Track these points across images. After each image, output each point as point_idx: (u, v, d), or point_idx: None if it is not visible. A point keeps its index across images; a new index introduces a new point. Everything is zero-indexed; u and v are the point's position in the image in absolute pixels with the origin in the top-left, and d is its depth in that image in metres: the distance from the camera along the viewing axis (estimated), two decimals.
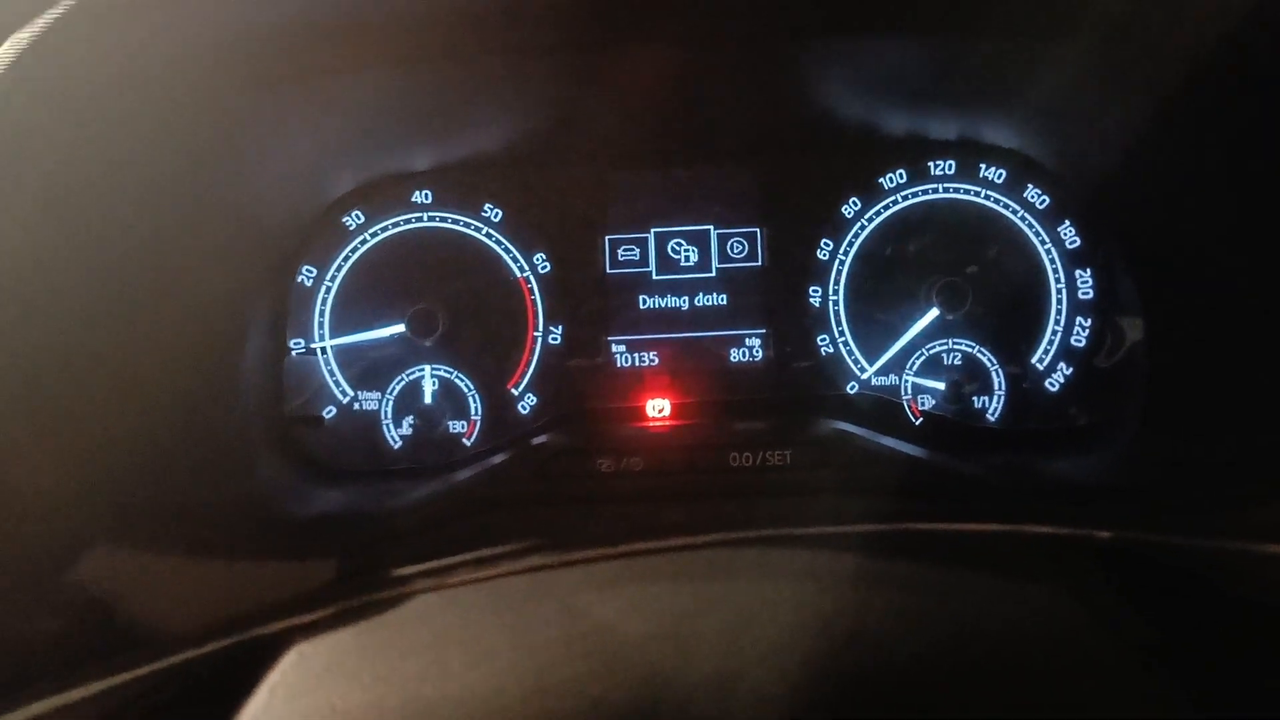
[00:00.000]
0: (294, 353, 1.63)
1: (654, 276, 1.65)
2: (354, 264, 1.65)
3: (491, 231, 1.65)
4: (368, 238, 1.65)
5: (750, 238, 1.64)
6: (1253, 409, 1.26)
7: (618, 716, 0.52)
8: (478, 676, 0.54)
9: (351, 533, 1.32)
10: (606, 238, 1.65)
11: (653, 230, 1.65)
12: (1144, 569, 0.68)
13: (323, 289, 1.64)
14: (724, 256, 1.64)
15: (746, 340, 1.63)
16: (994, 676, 0.55)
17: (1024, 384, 1.59)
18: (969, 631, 0.59)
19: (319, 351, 1.64)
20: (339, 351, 1.64)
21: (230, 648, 0.65)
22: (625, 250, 1.65)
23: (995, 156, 1.61)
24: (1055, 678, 0.56)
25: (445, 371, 1.63)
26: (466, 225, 1.65)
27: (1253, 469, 1.15)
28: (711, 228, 1.64)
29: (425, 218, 1.65)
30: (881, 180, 1.63)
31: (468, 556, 0.70)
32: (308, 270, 1.63)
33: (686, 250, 1.65)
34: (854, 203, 1.63)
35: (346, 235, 1.64)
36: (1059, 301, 1.59)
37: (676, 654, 0.55)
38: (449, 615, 0.62)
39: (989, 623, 0.60)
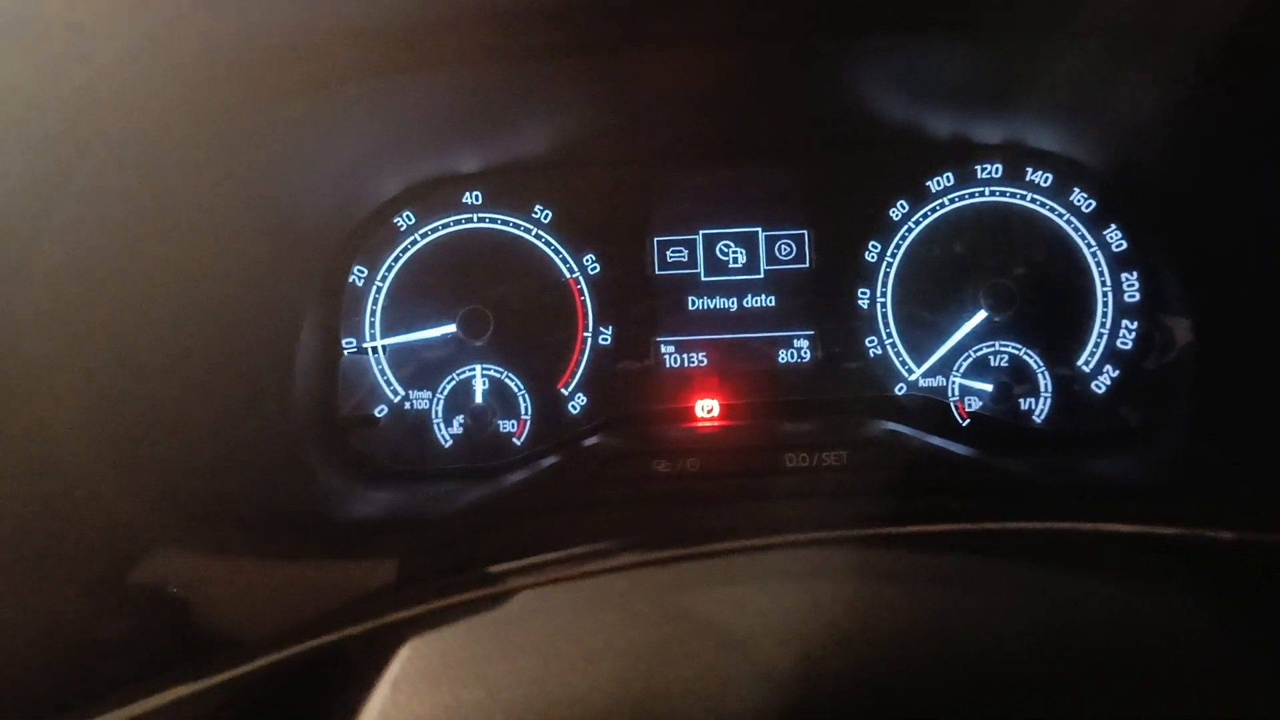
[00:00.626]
0: (346, 353, 1.64)
1: (702, 278, 1.66)
2: (405, 264, 1.66)
3: (541, 233, 1.66)
4: (418, 238, 1.66)
5: (798, 239, 1.65)
6: None
7: (733, 710, 0.54)
8: (599, 673, 0.55)
9: (408, 536, 1.34)
10: (655, 239, 1.66)
11: (700, 232, 1.66)
12: (1212, 566, 0.69)
13: (374, 289, 1.66)
14: (772, 258, 1.65)
15: (795, 341, 1.65)
16: (1079, 675, 0.56)
17: (1072, 386, 1.60)
18: (1057, 629, 0.60)
19: (370, 351, 1.65)
20: (390, 351, 1.66)
21: (326, 647, 0.67)
22: (674, 252, 1.66)
23: (1041, 160, 1.62)
24: (1138, 676, 0.57)
25: (496, 371, 1.65)
26: (516, 226, 1.67)
27: None
28: (759, 230, 1.66)
29: (476, 219, 1.67)
30: (929, 183, 1.64)
31: (563, 554, 0.71)
32: (359, 271, 1.65)
33: (734, 252, 1.66)
34: (901, 205, 1.64)
35: (398, 236, 1.66)
36: (1105, 304, 1.60)
37: (788, 654, 0.56)
38: (556, 612, 0.63)
39: (1077, 621, 0.61)
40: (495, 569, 0.71)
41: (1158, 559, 0.70)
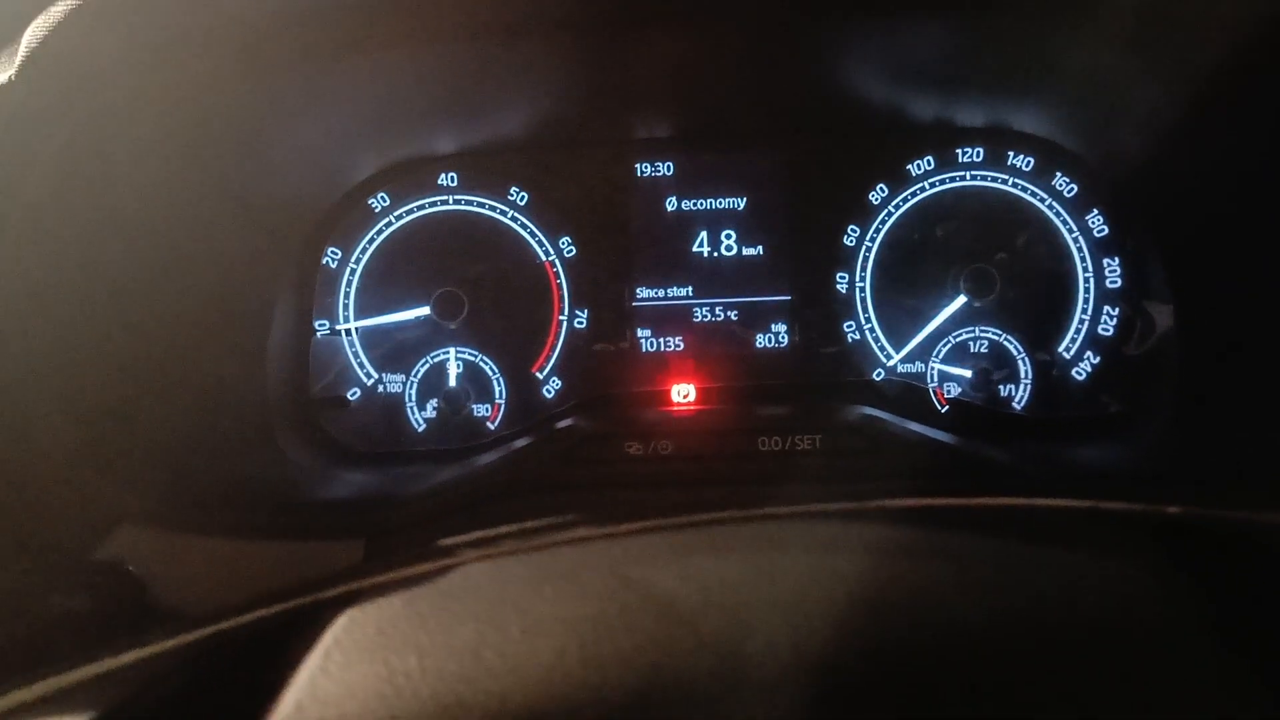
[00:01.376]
0: (319, 334, 1.62)
1: (680, 261, 1.64)
2: (379, 246, 1.64)
3: (517, 215, 1.64)
4: (393, 220, 1.64)
5: (777, 223, 1.63)
6: None
7: (677, 683, 0.52)
8: (537, 643, 0.54)
9: (376, 515, 1.32)
10: (632, 221, 1.64)
11: (679, 214, 1.64)
12: (1195, 544, 0.68)
13: (348, 271, 1.64)
14: (750, 241, 1.64)
15: (772, 326, 1.63)
16: (1053, 647, 0.55)
17: (1052, 372, 1.59)
18: (1027, 601, 0.58)
19: (344, 333, 1.63)
20: (364, 333, 1.64)
21: (273, 619, 0.65)
22: (651, 234, 1.64)
23: (1023, 144, 1.61)
24: (1114, 650, 0.55)
25: (470, 354, 1.63)
26: (492, 208, 1.65)
27: None
28: (738, 212, 1.64)
29: (451, 200, 1.65)
30: (909, 167, 1.62)
31: (514, 528, 0.69)
32: (333, 252, 1.63)
33: (712, 234, 1.64)
34: (881, 189, 1.62)
35: (372, 217, 1.64)
36: (1086, 290, 1.59)
37: (732, 623, 0.55)
38: (501, 584, 0.62)
39: (1048, 593, 0.59)
40: (445, 542, 0.69)
41: (1130, 538, 0.68)
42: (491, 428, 1.63)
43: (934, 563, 0.60)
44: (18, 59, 1.04)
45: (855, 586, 0.56)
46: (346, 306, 1.64)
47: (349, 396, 1.63)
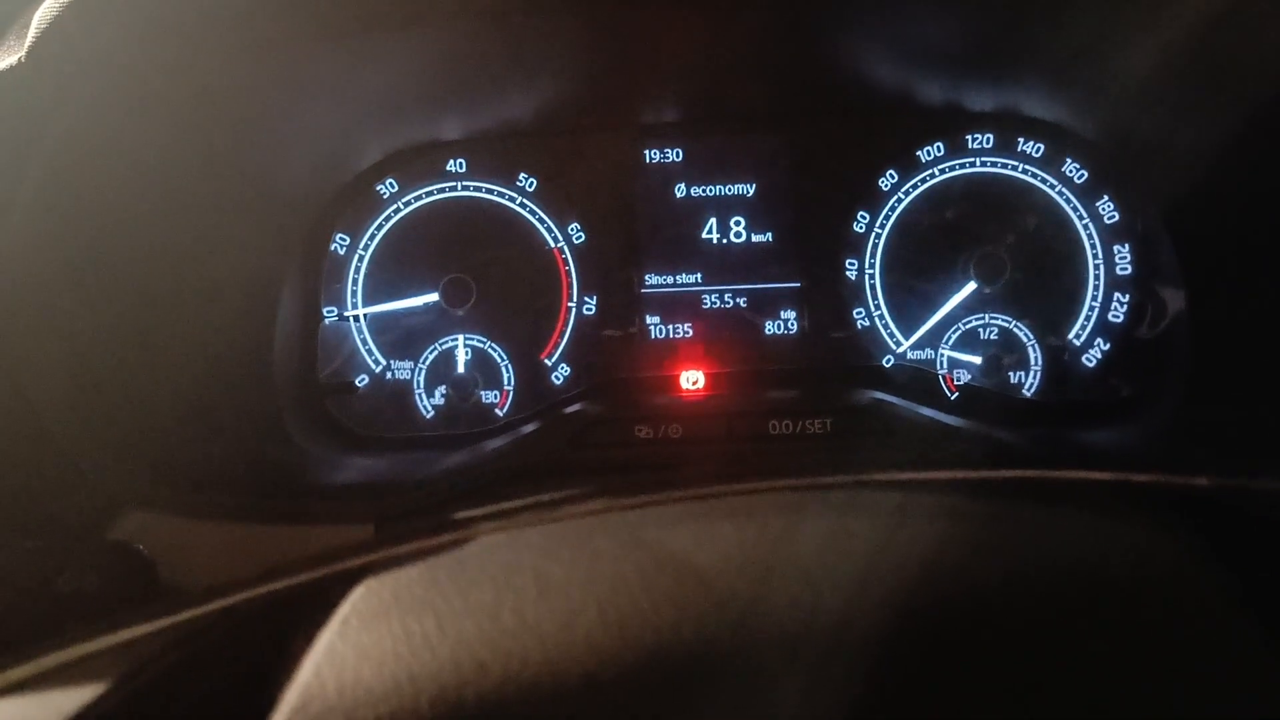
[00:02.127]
0: (327, 320, 1.62)
1: (689, 248, 1.64)
2: (388, 232, 1.64)
3: (526, 201, 1.64)
4: (401, 206, 1.64)
5: (786, 208, 1.63)
6: None
7: (694, 641, 0.52)
8: (554, 603, 0.54)
9: (384, 500, 1.32)
10: (640, 207, 1.64)
11: (687, 200, 1.64)
12: (1214, 519, 0.67)
13: (356, 257, 1.63)
14: (759, 227, 1.63)
15: (781, 312, 1.62)
16: (1071, 613, 0.55)
17: (1062, 358, 1.58)
18: (1040, 567, 0.58)
19: (352, 320, 1.63)
20: (372, 320, 1.64)
21: (290, 592, 0.65)
22: (659, 220, 1.64)
23: (1033, 130, 1.60)
24: (1134, 618, 0.55)
25: (478, 341, 1.63)
26: (501, 195, 1.64)
27: None
28: (747, 198, 1.63)
29: (459, 187, 1.64)
30: (919, 153, 1.61)
31: (529, 500, 0.69)
32: (341, 238, 1.63)
33: (721, 220, 1.63)
34: (891, 175, 1.61)
35: (380, 203, 1.64)
36: (1096, 276, 1.58)
37: (749, 582, 0.55)
38: (517, 550, 0.61)
39: (1066, 560, 0.59)
40: (460, 515, 0.69)
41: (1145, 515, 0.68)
42: (500, 414, 1.62)
43: (947, 525, 0.60)
44: (28, 40, 1.04)
45: (870, 547, 0.56)
46: (355, 293, 1.63)
47: (357, 383, 1.62)
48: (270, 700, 0.53)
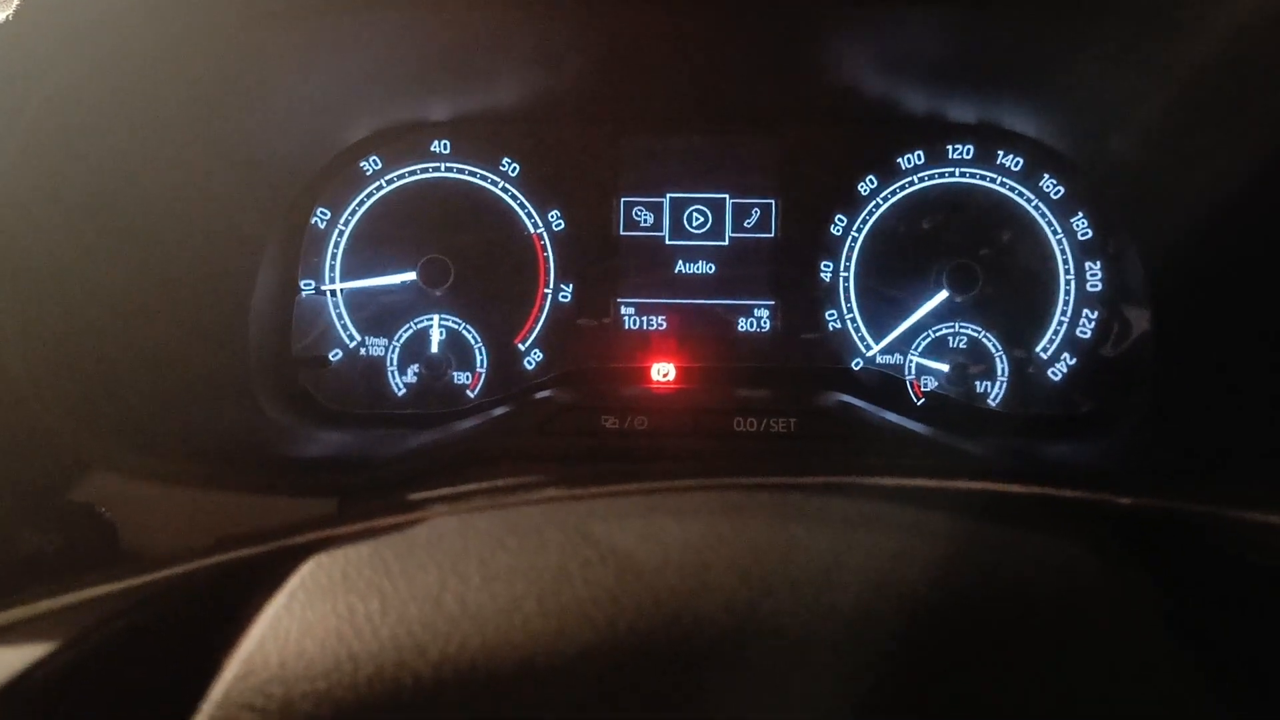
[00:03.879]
0: (304, 293, 1.63)
1: (666, 241, 1.65)
2: (369, 209, 1.64)
3: (508, 186, 1.65)
4: (384, 184, 1.65)
5: (765, 208, 1.64)
6: (1258, 401, 1.27)
7: (631, 636, 0.53)
8: (496, 591, 0.55)
9: (350, 475, 1.33)
10: (621, 199, 1.65)
11: (668, 195, 1.65)
12: (1154, 536, 0.69)
13: (336, 231, 1.64)
14: (737, 226, 1.64)
15: (755, 310, 1.64)
16: (1000, 626, 0.56)
17: (1027, 370, 1.60)
18: (979, 579, 0.59)
19: (329, 294, 1.64)
20: (349, 295, 1.64)
21: (241, 562, 0.66)
22: (639, 213, 1.65)
23: (1013, 143, 1.61)
24: (1063, 632, 0.56)
25: (453, 322, 1.64)
26: (483, 178, 1.65)
27: (1256, 459, 1.16)
28: (727, 196, 1.65)
29: (443, 168, 1.65)
30: (899, 160, 1.63)
31: (484, 485, 0.70)
32: (322, 212, 1.63)
33: (700, 217, 1.65)
34: (871, 180, 1.63)
35: (363, 180, 1.64)
36: (1067, 292, 1.60)
37: (690, 581, 0.56)
38: (465, 536, 0.63)
39: (999, 572, 0.60)
40: (415, 497, 0.70)
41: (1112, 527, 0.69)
42: (471, 396, 1.63)
43: (892, 534, 0.61)
44: (14, 1, 1.04)
45: (811, 552, 0.57)
46: (333, 268, 1.64)
47: (330, 357, 1.63)
48: (215, 667, 0.54)
